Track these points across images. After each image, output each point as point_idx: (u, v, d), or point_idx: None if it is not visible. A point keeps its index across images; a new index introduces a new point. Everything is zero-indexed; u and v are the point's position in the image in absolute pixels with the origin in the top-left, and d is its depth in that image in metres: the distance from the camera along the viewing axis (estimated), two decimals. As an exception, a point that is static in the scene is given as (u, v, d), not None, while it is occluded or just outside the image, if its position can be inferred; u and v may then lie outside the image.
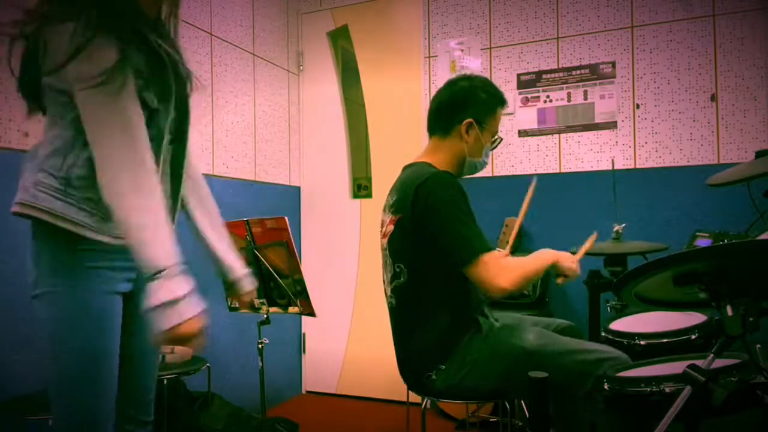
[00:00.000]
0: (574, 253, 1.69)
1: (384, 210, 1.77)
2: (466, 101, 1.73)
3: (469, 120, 1.71)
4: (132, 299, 1.24)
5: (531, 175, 1.73)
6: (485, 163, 1.81)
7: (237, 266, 1.46)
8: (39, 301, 1.15)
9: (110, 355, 1.19)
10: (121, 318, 1.22)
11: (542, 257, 1.62)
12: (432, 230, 1.58)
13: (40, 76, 1.14)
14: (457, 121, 1.72)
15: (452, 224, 1.56)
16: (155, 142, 1.17)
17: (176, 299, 1.05)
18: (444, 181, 1.61)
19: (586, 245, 1.77)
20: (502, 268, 1.53)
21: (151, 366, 1.37)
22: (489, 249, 1.55)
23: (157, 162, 1.17)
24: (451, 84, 1.78)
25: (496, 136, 1.78)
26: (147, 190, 1.09)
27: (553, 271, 1.63)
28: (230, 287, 1.46)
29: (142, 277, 1.10)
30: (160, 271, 1.05)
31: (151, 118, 1.17)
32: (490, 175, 3.13)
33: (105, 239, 1.14)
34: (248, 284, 1.48)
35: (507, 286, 1.52)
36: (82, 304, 1.14)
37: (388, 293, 1.74)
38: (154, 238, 1.07)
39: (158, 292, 1.04)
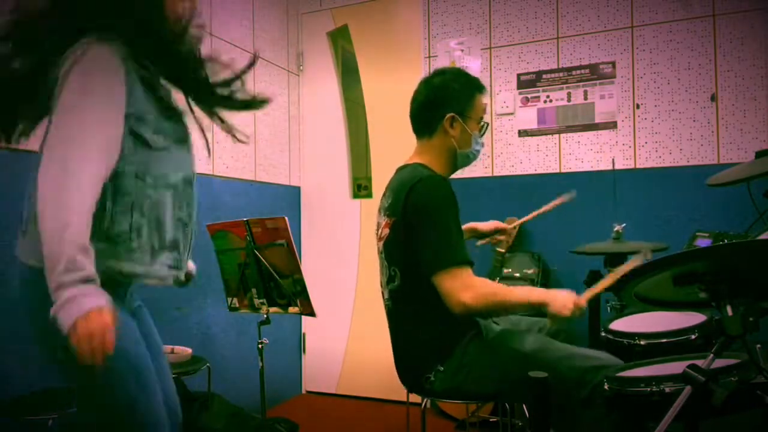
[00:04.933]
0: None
1: (379, 212, 1.77)
2: (443, 97, 1.73)
3: (451, 114, 1.71)
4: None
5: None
6: (478, 151, 1.79)
7: None
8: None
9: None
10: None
11: (529, 293, 1.53)
12: (417, 233, 1.57)
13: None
14: (438, 119, 1.72)
15: (433, 229, 1.55)
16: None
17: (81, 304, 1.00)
18: (433, 185, 1.60)
19: (609, 280, 1.47)
20: (471, 285, 1.49)
21: None
22: (465, 262, 1.51)
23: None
24: (426, 83, 1.78)
25: (482, 122, 1.77)
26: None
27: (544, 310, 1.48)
28: None
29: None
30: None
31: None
32: (490, 175, 3.13)
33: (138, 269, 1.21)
34: None
35: (469, 303, 1.46)
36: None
37: (385, 296, 1.74)
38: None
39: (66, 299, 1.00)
